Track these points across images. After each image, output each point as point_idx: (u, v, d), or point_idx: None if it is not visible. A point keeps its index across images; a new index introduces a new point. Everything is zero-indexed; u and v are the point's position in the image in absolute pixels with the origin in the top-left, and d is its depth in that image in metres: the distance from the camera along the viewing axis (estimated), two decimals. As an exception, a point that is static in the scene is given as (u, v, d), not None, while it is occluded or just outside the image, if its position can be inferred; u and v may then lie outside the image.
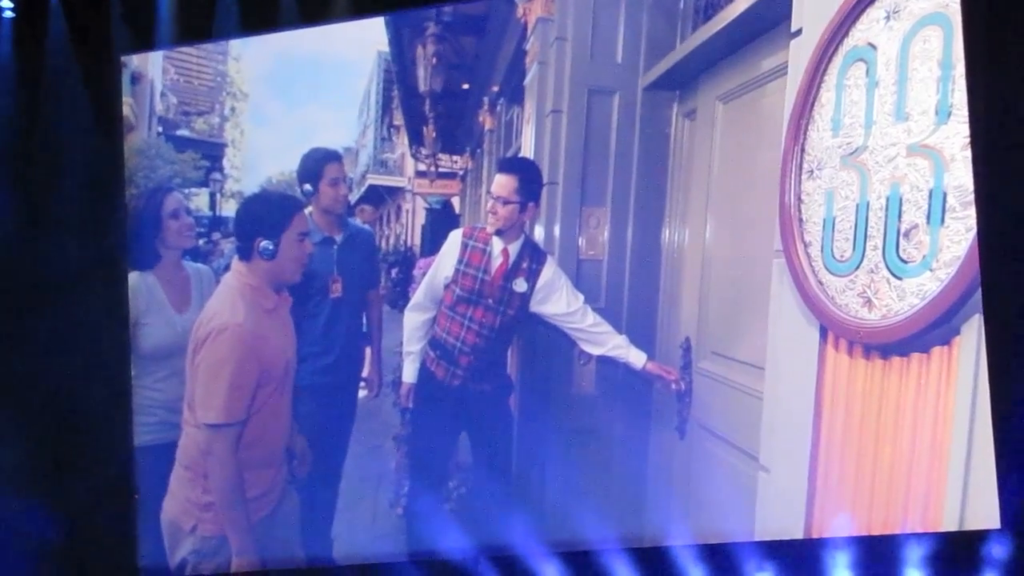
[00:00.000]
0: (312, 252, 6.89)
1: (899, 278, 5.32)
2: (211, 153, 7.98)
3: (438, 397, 7.03)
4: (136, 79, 7.90)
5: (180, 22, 7.64)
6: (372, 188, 8.00)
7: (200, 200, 7.88)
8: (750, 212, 6.26)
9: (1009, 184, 5.65)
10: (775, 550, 6.18)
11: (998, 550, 5.67)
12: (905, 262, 5.30)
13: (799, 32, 5.86)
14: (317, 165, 7.17)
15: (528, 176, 6.93)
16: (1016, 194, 5.70)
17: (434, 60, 7.53)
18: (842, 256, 5.56)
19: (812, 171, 5.77)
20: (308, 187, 7.13)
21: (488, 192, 7.06)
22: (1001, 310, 5.37)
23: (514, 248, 6.87)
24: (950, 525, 5.35)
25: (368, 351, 7.38)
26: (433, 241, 7.31)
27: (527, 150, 7.29)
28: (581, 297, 6.85)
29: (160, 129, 7.98)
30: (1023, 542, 5.65)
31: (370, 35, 7.61)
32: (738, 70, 6.47)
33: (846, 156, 5.62)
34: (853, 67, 5.61)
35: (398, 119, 7.95)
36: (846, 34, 5.64)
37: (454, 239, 7.00)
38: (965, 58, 5.36)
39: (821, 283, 5.65)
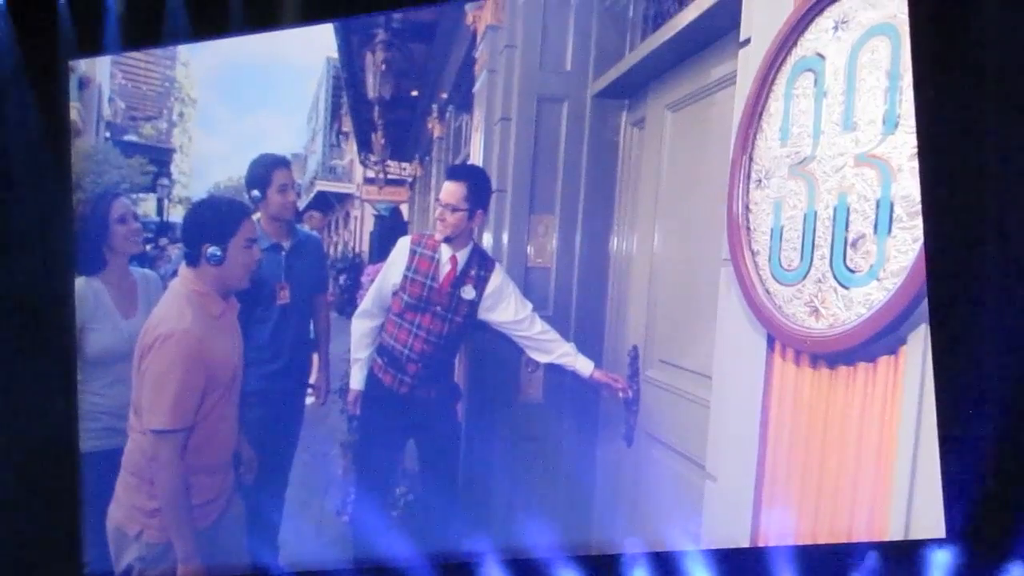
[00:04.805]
0: (260, 258, 6.85)
1: (846, 288, 5.33)
2: (159, 158, 7.95)
3: (385, 404, 7.01)
4: (84, 84, 7.86)
5: (128, 27, 7.59)
6: (321, 194, 7.99)
7: (148, 205, 7.85)
8: (698, 221, 6.27)
9: (956, 194, 5.68)
10: (722, 559, 6.19)
11: (942, 560, 5.70)
12: (852, 272, 5.32)
13: (748, 41, 5.86)
14: (265, 171, 7.13)
15: (476, 183, 6.92)
16: (963, 204, 5.74)
17: (383, 67, 7.52)
18: (789, 265, 5.57)
19: (760, 180, 5.78)
20: (256, 193, 7.09)
21: (436, 199, 7.04)
22: (947, 320, 5.41)
23: (462, 255, 6.86)
24: (896, 534, 5.37)
25: (315, 358, 7.36)
26: (381, 248, 7.30)
27: (476, 157, 7.29)
28: (529, 305, 6.85)
29: (108, 134, 7.93)
30: (967, 552, 5.68)
31: (319, 41, 7.60)
32: (687, 79, 6.48)
33: (794, 166, 5.64)
34: (801, 77, 5.62)
35: (347, 125, 7.94)
36: (794, 44, 5.64)
37: (402, 246, 6.99)
38: (913, 68, 5.38)
39: (768, 292, 5.66)
